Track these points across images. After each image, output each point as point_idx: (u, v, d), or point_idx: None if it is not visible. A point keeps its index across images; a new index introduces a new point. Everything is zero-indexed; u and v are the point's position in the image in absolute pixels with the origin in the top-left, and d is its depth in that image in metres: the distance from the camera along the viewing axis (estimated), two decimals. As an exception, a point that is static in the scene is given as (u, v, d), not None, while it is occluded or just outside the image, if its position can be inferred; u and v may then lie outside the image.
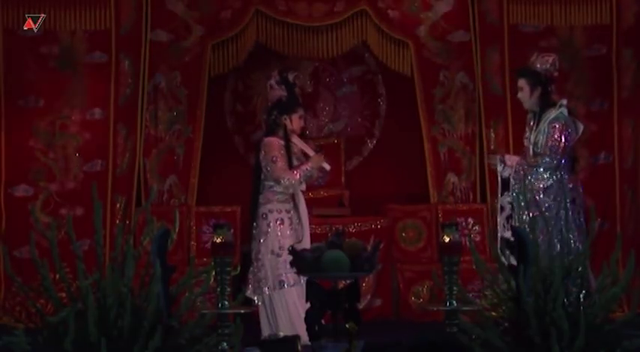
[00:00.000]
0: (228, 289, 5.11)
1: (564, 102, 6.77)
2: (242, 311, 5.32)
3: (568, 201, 6.62)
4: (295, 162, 6.60)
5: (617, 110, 8.55)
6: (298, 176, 6.52)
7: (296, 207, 6.61)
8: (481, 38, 8.56)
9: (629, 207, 8.48)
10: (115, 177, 8.32)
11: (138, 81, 8.38)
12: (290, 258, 5.29)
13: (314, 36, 8.58)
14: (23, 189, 8.26)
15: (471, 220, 8.35)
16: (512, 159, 6.80)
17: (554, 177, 6.64)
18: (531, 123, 6.83)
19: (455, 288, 5.15)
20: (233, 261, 5.35)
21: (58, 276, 4.11)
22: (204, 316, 4.30)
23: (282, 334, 6.01)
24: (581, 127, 6.84)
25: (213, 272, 5.11)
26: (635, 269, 4.33)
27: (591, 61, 8.58)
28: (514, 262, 4.49)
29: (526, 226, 6.04)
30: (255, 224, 6.60)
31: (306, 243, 6.39)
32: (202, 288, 4.46)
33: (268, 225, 6.51)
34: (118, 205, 8.28)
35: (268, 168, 6.53)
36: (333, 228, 6.28)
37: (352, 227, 8.05)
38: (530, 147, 6.77)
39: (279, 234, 6.49)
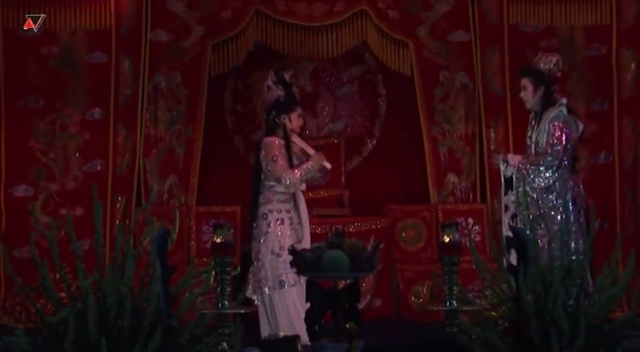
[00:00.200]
0: (228, 289, 5.11)
1: (564, 101, 6.80)
2: (242, 311, 5.33)
3: (569, 199, 6.64)
4: (296, 162, 6.60)
5: (617, 110, 8.54)
6: (299, 175, 6.52)
7: (296, 207, 6.61)
8: (481, 38, 8.56)
9: (629, 207, 8.47)
10: (115, 177, 8.32)
11: (138, 81, 8.38)
12: (290, 257, 5.30)
13: (314, 36, 8.58)
14: (23, 189, 8.26)
15: (471, 220, 8.35)
16: (514, 159, 6.82)
17: (556, 175, 6.67)
18: (533, 123, 6.85)
19: (455, 288, 5.15)
20: (233, 261, 5.35)
21: (58, 276, 4.11)
22: (204, 316, 4.30)
23: (282, 334, 6.01)
24: (581, 126, 6.87)
25: (213, 272, 5.11)
26: (635, 269, 4.33)
27: (591, 61, 8.58)
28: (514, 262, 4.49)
29: (529, 224, 6.04)
30: (255, 224, 6.59)
31: (306, 243, 6.39)
32: (202, 288, 4.47)
33: (268, 225, 6.51)
34: (118, 205, 8.28)
35: (269, 168, 6.53)
36: (333, 228, 6.27)
37: (352, 227, 8.04)
38: (532, 146, 6.79)
39: (279, 234, 6.49)
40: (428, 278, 7.98)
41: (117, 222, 8.13)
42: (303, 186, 6.69)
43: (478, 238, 8.25)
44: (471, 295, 6.42)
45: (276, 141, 6.58)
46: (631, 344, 4.14)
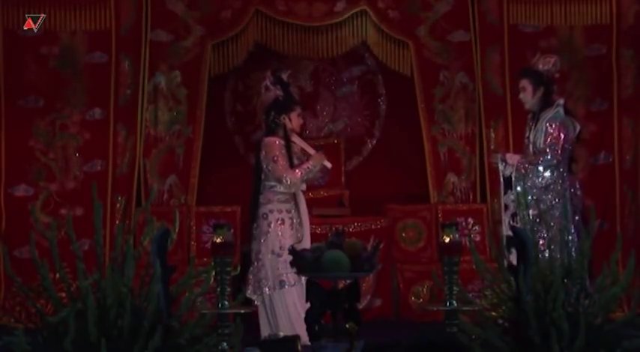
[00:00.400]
0: (228, 289, 5.11)
1: (561, 102, 6.82)
2: (242, 311, 5.33)
3: (568, 199, 6.65)
4: (296, 162, 6.61)
5: (617, 110, 8.54)
6: (300, 175, 6.52)
7: (297, 207, 6.61)
8: (481, 38, 8.56)
9: (629, 207, 8.47)
10: (115, 177, 8.33)
11: (138, 81, 8.38)
12: (290, 257, 5.30)
13: (314, 36, 8.58)
14: (23, 189, 8.26)
15: (471, 220, 8.35)
16: (513, 158, 6.84)
17: (555, 175, 6.68)
18: (530, 124, 6.86)
19: (455, 288, 5.15)
20: (233, 260, 5.35)
21: (58, 276, 4.11)
22: (204, 316, 4.30)
23: (282, 334, 6.01)
24: (577, 127, 6.88)
25: (213, 272, 5.11)
26: (635, 269, 4.33)
27: (591, 61, 8.58)
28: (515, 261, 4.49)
29: (529, 224, 6.04)
30: (255, 224, 6.59)
31: (306, 243, 6.39)
32: (202, 288, 4.47)
33: (269, 225, 6.51)
34: (118, 205, 8.28)
35: (269, 168, 6.53)
36: (333, 228, 6.27)
37: (352, 227, 8.04)
38: (530, 146, 6.80)
39: (279, 234, 6.49)
40: (428, 278, 7.98)
41: (117, 222, 8.13)
42: (304, 186, 6.69)
43: (478, 238, 8.25)
44: (471, 295, 6.42)
45: (276, 142, 6.58)
46: (631, 344, 4.13)
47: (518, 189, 6.67)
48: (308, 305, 5.27)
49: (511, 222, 6.68)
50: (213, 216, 8.07)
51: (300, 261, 5.20)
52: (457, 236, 5.25)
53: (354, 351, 5.06)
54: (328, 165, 6.75)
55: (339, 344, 5.06)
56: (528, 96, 6.84)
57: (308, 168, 6.56)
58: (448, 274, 5.18)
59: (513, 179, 6.73)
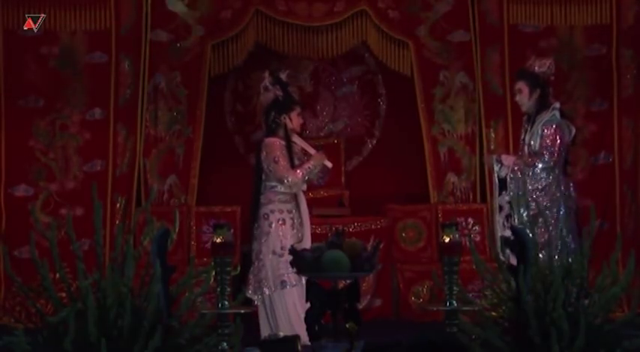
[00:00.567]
0: (228, 289, 5.11)
1: (557, 105, 6.84)
2: (242, 311, 5.33)
3: (562, 201, 6.66)
4: (297, 161, 6.61)
5: (617, 110, 8.54)
6: (301, 175, 6.52)
7: (298, 207, 6.61)
8: (481, 38, 8.56)
9: (629, 207, 8.47)
10: (115, 177, 8.32)
11: (138, 81, 8.38)
12: (291, 257, 5.30)
13: (314, 36, 8.58)
14: (23, 189, 8.26)
15: (471, 220, 8.35)
16: (508, 159, 6.86)
17: (551, 177, 6.69)
18: (526, 126, 6.87)
19: (455, 288, 5.15)
20: (233, 260, 5.35)
21: (58, 276, 4.11)
22: (204, 316, 4.30)
23: (282, 334, 6.01)
24: (573, 130, 6.90)
25: (213, 272, 5.11)
26: (635, 269, 4.33)
27: (591, 61, 8.58)
28: (514, 261, 4.49)
29: (525, 225, 6.05)
30: (256, 224, 6.60)
31: (307, 243, 6.39)
32: (202, 288, 4.47)
33: (270, 226, 6.51)
34: (118, 205, 8.28)
35: (270, 169, 6.53)
36: (333, 228, 6.28)
37: (352, 227, 8.04)
38: (526, 148, 6.81)
39: (280, 234, 6.49)
40: (428, 278, 7.98)
41: (117, 222, 8.12)
42: (304, 186, 6.69)
43: (478, 238, 8.25)
44: (471, 295, 6.43)
45: (276, 142, 6.58)
46: (631, 344, 4.14)
47: (514, 190, 6.68)
48: (308, 305, 5.27)
49: (505, 223, 6.68)
50: (213, 216, 8.07)
51: (300, 261, 5.21)
52: (457, 236, 5.25)
53: (354, 351, 5.06)
54: (329, 164, 6.76)
55: (339, 344, 5.06)
56: (525, 98, 6.85)
57: (309, 168, 6.57)
58: (448, 274, 5.18)
59: (508, 180, 6.73)
